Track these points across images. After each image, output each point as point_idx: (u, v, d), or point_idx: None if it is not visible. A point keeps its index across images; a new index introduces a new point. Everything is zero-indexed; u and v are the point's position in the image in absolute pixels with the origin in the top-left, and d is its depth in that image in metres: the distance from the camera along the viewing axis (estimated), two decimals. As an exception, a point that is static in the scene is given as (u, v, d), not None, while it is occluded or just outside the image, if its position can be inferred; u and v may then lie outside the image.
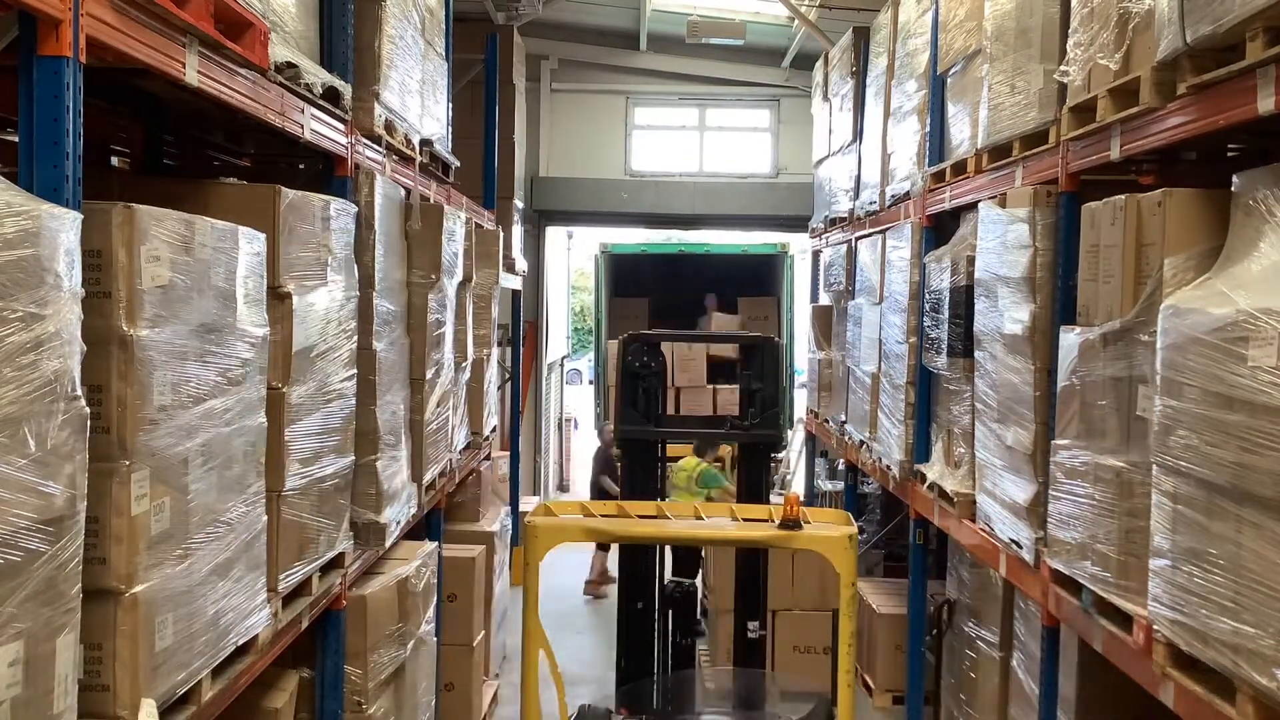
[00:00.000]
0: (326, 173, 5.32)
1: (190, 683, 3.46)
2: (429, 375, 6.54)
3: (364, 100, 5.47)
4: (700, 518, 5.64)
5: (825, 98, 11.53)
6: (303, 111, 4.58)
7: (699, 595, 8.15)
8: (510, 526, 10.20)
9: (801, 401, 14.11)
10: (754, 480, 6.94)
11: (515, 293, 12.84)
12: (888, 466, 8.21)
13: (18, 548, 2.48)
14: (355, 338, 5.23)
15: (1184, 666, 3.74)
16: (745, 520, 5.54)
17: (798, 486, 12.41)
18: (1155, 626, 3.88)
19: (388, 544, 5.86)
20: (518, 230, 12.43)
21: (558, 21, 14.83)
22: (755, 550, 6.71)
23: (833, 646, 8.28)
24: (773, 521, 5.36)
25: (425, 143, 6.69)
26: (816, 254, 12.39)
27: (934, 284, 7.13)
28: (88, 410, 2.76)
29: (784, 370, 7.63)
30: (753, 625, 6.73)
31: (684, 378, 14.16)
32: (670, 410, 11.51)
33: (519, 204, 12.54)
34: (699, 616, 8.69)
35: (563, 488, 18.87)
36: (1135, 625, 4.18)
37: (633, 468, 7.02)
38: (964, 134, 6.85)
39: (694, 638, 6.86)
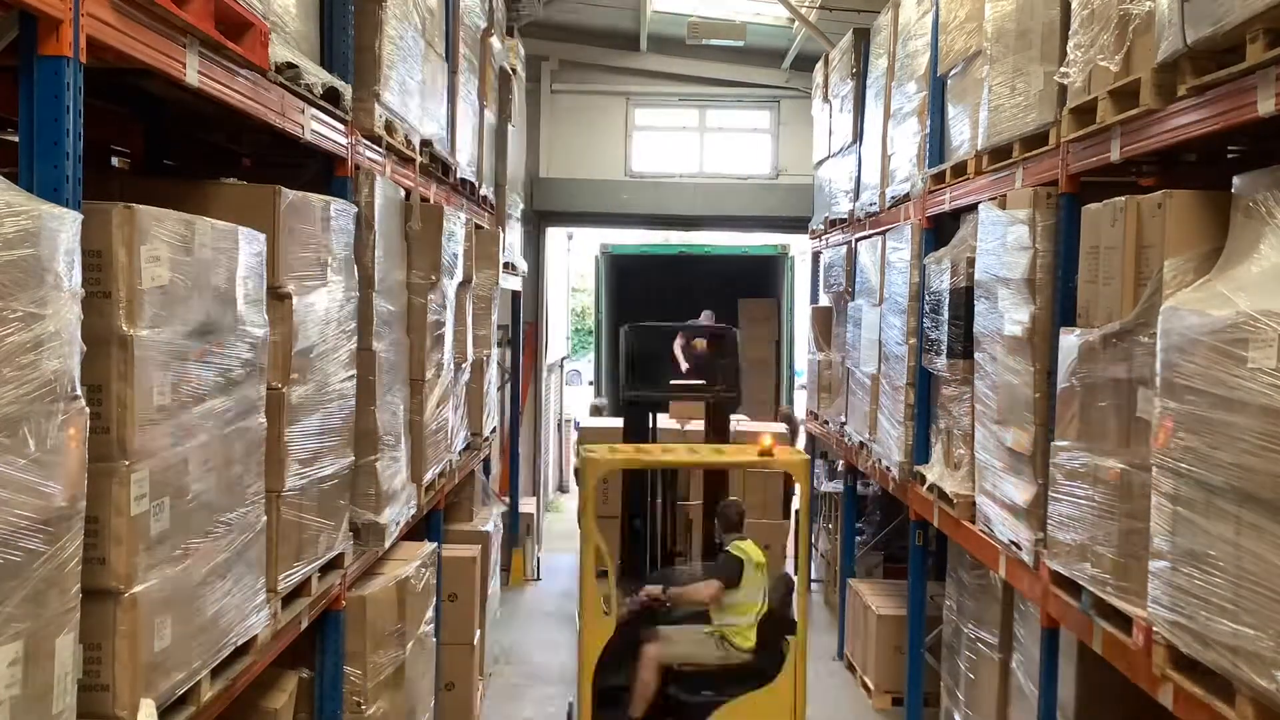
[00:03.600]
0: (327, 173, 5.32)
1: (189, 683, 3.46)
2: (429, 376, 6.54)
3: (364, 101, 5.47)
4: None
5: (825, 99, 11.52)
6: (303, 112, 4.58)
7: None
8: (503, 527, 10.18)
9: (801, 403, 14.11)
10: (720, 428, 8.69)
11: (515, 294, 12.82)
12: (887, 468, 8.21)
13: (18, 548, 2.48)
14: (355, 338, 5.23)
15: (1183, 668, 3.74)
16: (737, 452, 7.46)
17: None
18: (1155, 628, 3.88)
19: (387, 544, 5.86)
20: (517, 231, 12.42)
21: (558, 22, 14.80)
22: (721, 476, 8.71)
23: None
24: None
25: (425, 143, 6.69)
26: (816, 255, 12.39)
27: (934, 285, 7.13)
28: (88, 410, 2.76)
29: (739, 352, 9.51)
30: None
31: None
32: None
33: (519, 204, 12.53)
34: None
35: (562, 489, 18.84)
36: (1135, 627, 4.17)
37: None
38: (964, 135, 6.85)
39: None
